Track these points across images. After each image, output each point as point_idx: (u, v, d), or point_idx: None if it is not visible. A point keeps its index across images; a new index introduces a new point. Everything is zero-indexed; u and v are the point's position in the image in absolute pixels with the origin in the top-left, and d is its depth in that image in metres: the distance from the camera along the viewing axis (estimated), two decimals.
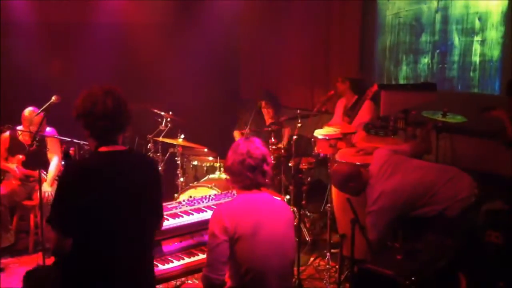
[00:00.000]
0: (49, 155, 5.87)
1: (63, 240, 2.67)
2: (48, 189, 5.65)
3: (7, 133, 5.78)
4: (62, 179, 2.76)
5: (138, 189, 2.82)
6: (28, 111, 5.71)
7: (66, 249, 2.67)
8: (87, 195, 2.63)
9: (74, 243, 2.67)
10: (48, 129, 5.82)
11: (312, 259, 5.55)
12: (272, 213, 3.18)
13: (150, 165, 3.00)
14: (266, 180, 3.26)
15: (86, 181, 2.65)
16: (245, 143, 3.23)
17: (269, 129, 6.24)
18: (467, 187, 4.21)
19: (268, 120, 6.77)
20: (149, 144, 6.72)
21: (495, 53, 5.43)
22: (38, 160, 5.71)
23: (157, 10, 7.75)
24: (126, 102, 2.85)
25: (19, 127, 5.75)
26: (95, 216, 2.67)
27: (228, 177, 3.29)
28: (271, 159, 3.37)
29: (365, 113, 5.72)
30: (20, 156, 5.72)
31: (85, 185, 2.64)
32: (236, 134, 6.93)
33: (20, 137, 5.78)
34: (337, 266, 4.97)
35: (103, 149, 2.79)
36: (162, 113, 6.55)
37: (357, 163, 4.82)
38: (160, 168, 6.71)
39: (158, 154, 6.74)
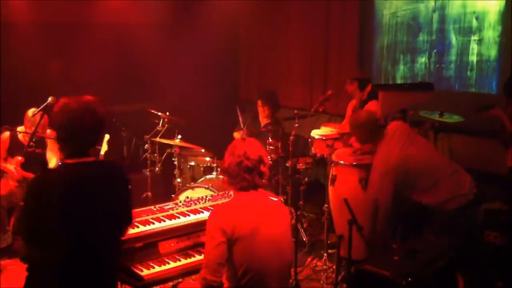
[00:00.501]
0: (48, 156, 5.86)
1: (30, 248, 2.72)
2: None
3: (7, 134, 5.78)
4: (28, 191, 2.75)
5: (104, 200, 2.81)
6: (31, 111, 5.70)
7: (34, 257, 2.71)
8: (52, 207, 2.62)
9: (42, 252, 2.68)
10: (49, 131, 5.81)
11: (309, 259, 5.55)
12: (269, 214, 3.18)
13: (117, 175, 2.96)
14: (263, 181, 3.26)
15: (51, 194, 2.63)
16: (242, 145, 3.22)
17: (267, 129, 6.23)
18: (468, 184, 4.28)
19: (263, 120, 6.73)
20: (146, 145, 6.71)
21: (492, 52, 5.43)
22: (36, 162, 5.72)
23: (156, 10, 7.74)
24: (103, 116, 2.85)
25: (20, 128, 5.74)
26: (60, 227, 2.65)
27: (225, 178, 3.28)
28: (268, 160, 3.36)
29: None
30: (19, 158, 5.70)
31: (50, 198, 2.62)
32: (236, 135, 6.89)
33: (20, 138, 5.77)
34: (334, 267, 4.96)
35: (69, 161, 2.78)
36: (159, 113, 6.53)
37: (354, 163, 4.83)
38: (157, 168, 6.72)
39: (155, 155, 6.73)
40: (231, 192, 3.81)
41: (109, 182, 2.87)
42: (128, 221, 3.05)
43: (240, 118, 6.60)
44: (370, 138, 4.49)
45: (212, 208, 3.81)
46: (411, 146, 4.33)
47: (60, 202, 2.63)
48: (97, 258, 2.79)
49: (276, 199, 3.32)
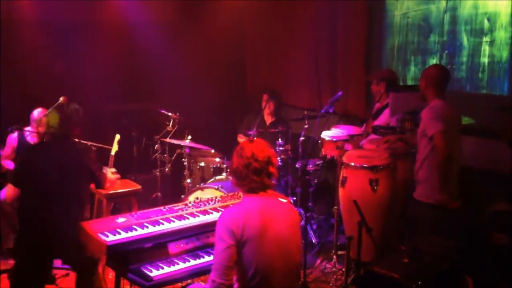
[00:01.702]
0: None
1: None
2: None
3: (15, 134, 5.81)
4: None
5: (64, 167, 4.06)
6: (37, 112, 5.72)
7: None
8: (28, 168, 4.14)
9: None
10: None
11: (318, 261, 5.54)
12: (278, 216, 3.17)
13: (75, 151, 4.29)
14: (272, 182, 3.26)
15: (28, 159, 4.18)
16: (249, 146, 3.21)
17: (276, 130, 6.22)
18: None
19: (267, 116, 6.71)
20: (156, 145, 6.73)
21: (504, 54, 5.38)
22: None
23: (163, 8, 7.74)
24: (68, 116, 4.30)
25: (28, 128, 5.76)
26: (33, 181, 4.07)
27: (233, 180, 3.28)
28: (277, 160, 3.35)
29: (385, 118, 5.54)
30: None
31: (27, 162, 4.18)
32: (241, 138, 6.89)
33: (28, 138, 5.80)
34: (343, 269, 4.95)
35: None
36: (170, 114, 6.55)
37: (364, 165, 4.82)
38: (167, 169, 6.76)
39: (165, 155, 6.76)
40: (241, 193, 3.81)
41: (68, 156, 4.14)
42: (97, 183, 4.44)
43: (244, 119, 6.66)
44: (432, 88, 4.54)
45: (221, 209, 3.81)
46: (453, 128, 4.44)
47: (32, 166, 4.14)
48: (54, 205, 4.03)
49: (285, 201, 3.32)
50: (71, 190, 4.17)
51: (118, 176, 5.18)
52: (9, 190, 4.31)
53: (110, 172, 5.18)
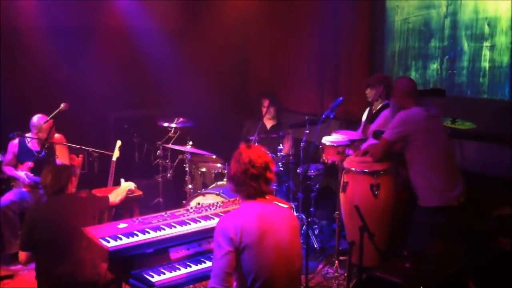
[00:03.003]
0: (57, 161, 5.89)
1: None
2: None
3: (16, 140, 5.82)
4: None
5: (64, 221, 4.10)
6: (36, 117, 5.74)
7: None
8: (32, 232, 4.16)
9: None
10: (56, 135, 5.85)
11: (320, 266, 5.53)
12: (277, 221, 3.16)
13: (71, 203, 4.29)
14: (271, 188, 3.25)
15: (30, 223, 4.19)
16: (247, 152, 3.20)
17: (278, 135, 6.23)
18: (460, 188, 4.51)
19: (268, 121, 6.72)
20: (158, 151, 6.74)
21: (505, 58, 5.38)
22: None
23: (166, 14, 7.76)
24: (58, 173, 4.29)
25: (28, 134, 5.77)
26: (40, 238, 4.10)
27: (232, 186, 3.27)
28: (275, 166, 3.34)
29: (382, 121, 5.55)
30: (30, 163, 5.74)
31: (29, 226, 4.19)
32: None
33: (29, 144, 5.81)
34: (345, 274, 4.94)
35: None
36: (172, 124, 6.56)
37: (365, 170, 4.82)
38: (169, 174, 6.77)
39: (167, 161, 6.77)
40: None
41: (67, 210, 4.19)
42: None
43: (245, 126, 6.68)
44: (405, 98, 4.68)
45: (223, 215, 3.81)
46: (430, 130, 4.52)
47: (41, 224, 4.14)
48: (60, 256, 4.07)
49: (284, 206, 3.31)
50: (78, 236, 3.97)
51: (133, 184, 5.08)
52: (22, 255, 4.31)
53: (125, 183, 5.03)
